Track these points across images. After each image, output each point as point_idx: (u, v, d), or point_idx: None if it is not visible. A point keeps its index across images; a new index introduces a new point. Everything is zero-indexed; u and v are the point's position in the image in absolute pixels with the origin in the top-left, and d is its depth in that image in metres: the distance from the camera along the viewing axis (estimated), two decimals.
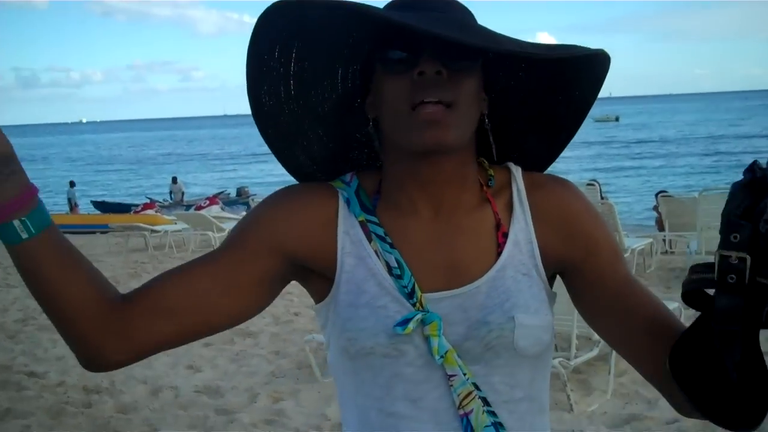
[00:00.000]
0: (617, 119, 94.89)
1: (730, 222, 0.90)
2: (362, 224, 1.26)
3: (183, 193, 29.51)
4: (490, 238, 1.25)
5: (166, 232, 15.20)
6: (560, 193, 1.28)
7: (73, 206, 27.18)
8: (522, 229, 1.25)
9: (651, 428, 4.71)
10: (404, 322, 1.17)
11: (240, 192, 28.88)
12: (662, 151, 51.86)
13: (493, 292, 1.21)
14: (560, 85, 1.27)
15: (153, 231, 15.30)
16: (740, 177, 0.94)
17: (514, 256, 1.24)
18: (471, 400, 1.20)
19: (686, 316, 5.16)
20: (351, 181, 1.30)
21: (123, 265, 12.81)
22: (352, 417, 1.29)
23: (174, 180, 30.24)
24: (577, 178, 14.62)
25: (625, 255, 8.25)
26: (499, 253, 1.24)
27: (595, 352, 5.20)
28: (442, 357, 1.19)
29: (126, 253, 14.50)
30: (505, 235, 1.25)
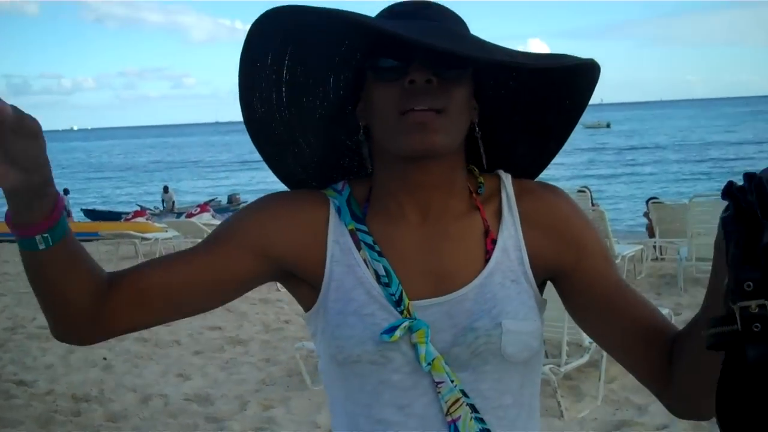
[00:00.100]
0: (608, 126, 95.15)
1: (738, 271, 0.88)
2: (352, 233, 1.26)
3: (174, 202, 29.51)
4: (478, 244, 1.25)
5: (156, 239, 15.15)
6: (550, 199, 1.28)
7: (67, 214, 27.04)
8: (511, 235, 1.26)
9: None
10: (391, 330, 1.18)
11: (231, 199, 28.89)
12: (653, 157, 52.03)
13: (480, 299, 1.21)
14: (550, 94, 1.27)
15: (143, 239, 15.25)
16: (732, 181, 0.93)
17: (502, 263, 1.24)
18: (459, 407, 1.20)
19: (677, 322, 5.17)
20: (343, 190, 1.31)
21: None
22: (341, 424, 1.30)
23: (165, 189, 30.25)
24: (568, 185, 14.64)
25: (616, 262, 8.26)
26: (487, 260, 1.24)
27: (585, 359, 5.21)
28: (429, 364, 1.19)
29: (116, 260, 14.43)
30: (494, 242, 1.25)
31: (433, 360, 1.19)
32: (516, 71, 1.28)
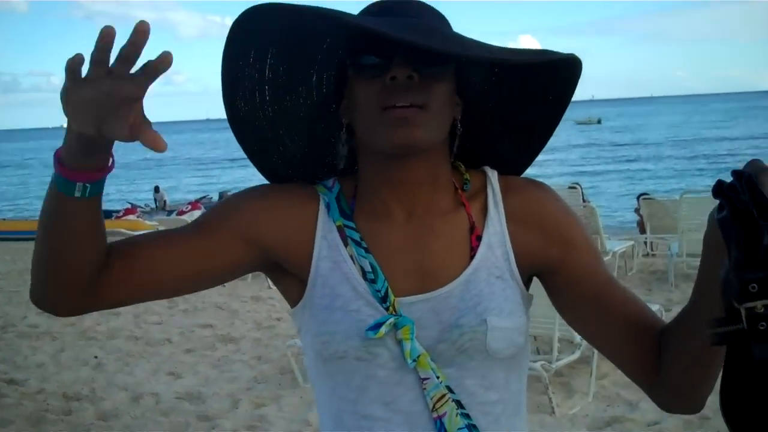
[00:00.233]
0: (599, 122, 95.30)
1: (742, 272, 0.89)
2: (339, 229, 1.26)
3: (165, 201, 29.52)
4: (463, 241, 1.25)
5: None
6: (536, 195, 1.29)
7: None
8: (496, 232, 1.26)
9: (632, 430, 4.73)
10: (376, 326, 1.18)
11: (222, 196, 28.80)
12: (644, 153, 52.11)
13: (465, 295, 1.22)
14: (533, 89, 1.27)
15: None
16: (723, 178, 0.93)
17: (487, 259, 1.24)
18: (444, 403, 1.20)
19: (668, 318, 5.19)
20: (333, 186, 1.31)
21: None
22: (327, 420, 1.30)
23: (156, 189, 30.25)
24: (560, 181, 14.65)
25: (607, 258, 8.30)
26: (472, 257, 1.24)
27: (576, 355, 5.22)
28: (414, 360, 1.19)
29: None
30: (479, 239, 1.25)
31: (418, 356, 1.19)
32: (498, 67, 1.28)
